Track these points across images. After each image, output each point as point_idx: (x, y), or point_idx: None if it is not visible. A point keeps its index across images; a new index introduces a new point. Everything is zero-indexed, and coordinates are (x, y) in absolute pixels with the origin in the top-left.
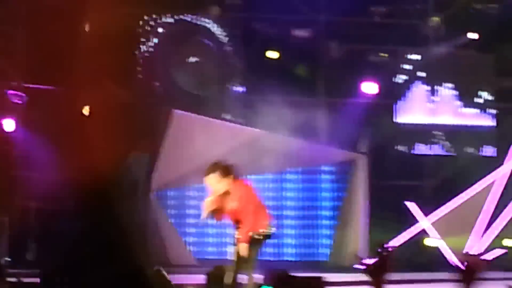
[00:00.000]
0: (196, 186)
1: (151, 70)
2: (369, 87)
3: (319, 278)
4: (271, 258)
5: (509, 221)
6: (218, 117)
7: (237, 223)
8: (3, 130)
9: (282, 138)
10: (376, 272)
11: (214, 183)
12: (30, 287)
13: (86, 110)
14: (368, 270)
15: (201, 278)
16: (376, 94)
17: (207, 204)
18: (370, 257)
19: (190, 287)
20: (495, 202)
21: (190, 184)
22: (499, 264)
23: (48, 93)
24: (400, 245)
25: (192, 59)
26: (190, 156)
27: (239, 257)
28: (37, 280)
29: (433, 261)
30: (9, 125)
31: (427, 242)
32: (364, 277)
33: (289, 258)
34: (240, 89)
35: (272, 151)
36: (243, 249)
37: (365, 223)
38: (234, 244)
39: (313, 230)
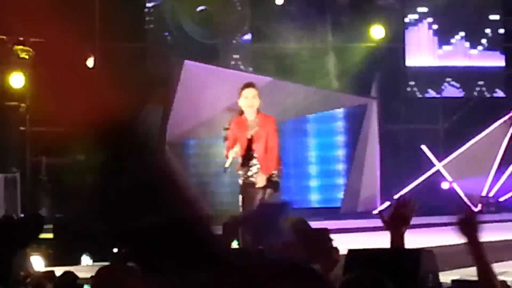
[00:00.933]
0: (210, 136)
1: (161, 21)
2: (378, 31)
3: (325, 230)
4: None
5: None
6: (228, 66)
7: (251, 158)
8: (12, 85)
9: (291, 85)
10: (395, 222)
11: (252, 98)
12: (44, 242)
13: (90, 62)
14: (386, 220)
15: (217, 229)
16: (385, 38)
17: (231, 153)
18: (383, 202)
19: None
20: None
21: (205, 135)
22: None
23: (54, 46)
24: (414, 189)
25: (201, 8)
26: (202, 106)
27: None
28: (50, 235)
29: (448, 204)
30: (18, 80)
31: (443, 185)
32: (375, 223)
33: (302, 206)
34: (248, 36)
35: (282, 99)
36: (264, 180)
37: (377, 168)
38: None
39: (325, 176)
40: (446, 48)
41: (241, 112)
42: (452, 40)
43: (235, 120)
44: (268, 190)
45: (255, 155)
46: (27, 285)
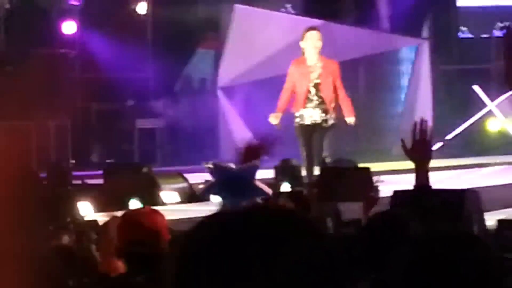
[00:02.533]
0: (262, 79)
1: None
2: None
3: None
4: None
5: None
6: (278, 9)
7: (318, 101)
8: (63, 32)
9: (342, 27)
10: (416, 156)
11: (317, 40)
12: (94, 188)
13: (141, 7)
14: (409, 154)
15: (269, 173)
16: None
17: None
18: (435, 143)
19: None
20: None
21: (256, 78)
22: None
23: None
24: (466, 130)
25: None
26: (254, 50)
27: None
28: (101, 181)
29: (498, 144)
30: (70, 27)
31: (491, 125)
32: (434, 163)
33: (354, 148)
34: None
35: (333, 41)
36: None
37: (430, 109)
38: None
39: (378, 118)
40: None
41: (302, 54)
42: None
43: (296, 62)
44: (328, 133)
45: (321, 96)
46: (71, 231)
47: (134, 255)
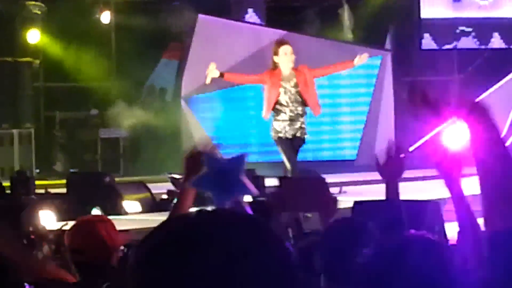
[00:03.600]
0: (225, 89)
1: None
2: None
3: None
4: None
5: None
6: (241, 20)
7: (302, 109)
8: (26, 41)
9: (305, 38)
10: (390, 173)
11: (290, 54)
12: (57, 198)
13: (105, 17)
14: (381, 170)
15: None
16: None
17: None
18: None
19: None
20: None
21: (219, 88)
22: None
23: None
24: (425, 143)
25: None
26: (217, 60)
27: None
28: (64, 190)
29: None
30: (34, 36)
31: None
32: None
33: (316, 159)
34: None
35: (296, 51)
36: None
37: (392, 120)
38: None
39: (339, 129)
40: None
41: (275, 67)
42: None
43: (269, 73)
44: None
45: (303, 104)
46: (50, 241)
47: (80, 264)
